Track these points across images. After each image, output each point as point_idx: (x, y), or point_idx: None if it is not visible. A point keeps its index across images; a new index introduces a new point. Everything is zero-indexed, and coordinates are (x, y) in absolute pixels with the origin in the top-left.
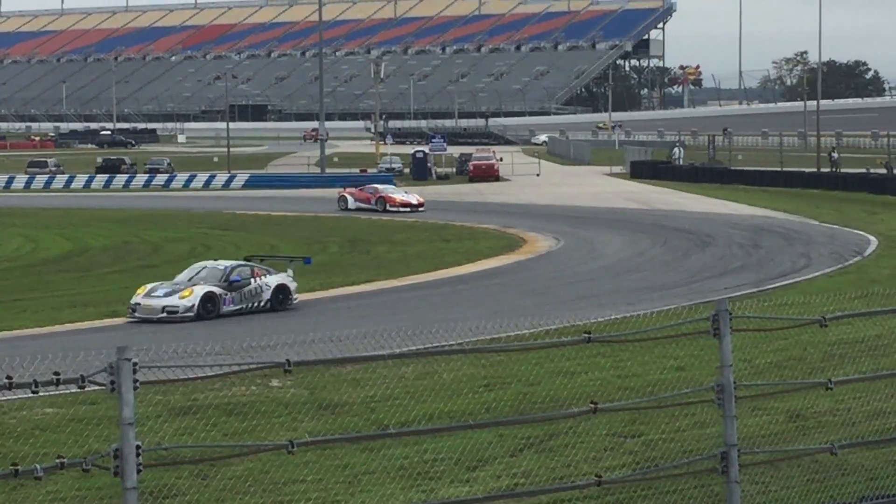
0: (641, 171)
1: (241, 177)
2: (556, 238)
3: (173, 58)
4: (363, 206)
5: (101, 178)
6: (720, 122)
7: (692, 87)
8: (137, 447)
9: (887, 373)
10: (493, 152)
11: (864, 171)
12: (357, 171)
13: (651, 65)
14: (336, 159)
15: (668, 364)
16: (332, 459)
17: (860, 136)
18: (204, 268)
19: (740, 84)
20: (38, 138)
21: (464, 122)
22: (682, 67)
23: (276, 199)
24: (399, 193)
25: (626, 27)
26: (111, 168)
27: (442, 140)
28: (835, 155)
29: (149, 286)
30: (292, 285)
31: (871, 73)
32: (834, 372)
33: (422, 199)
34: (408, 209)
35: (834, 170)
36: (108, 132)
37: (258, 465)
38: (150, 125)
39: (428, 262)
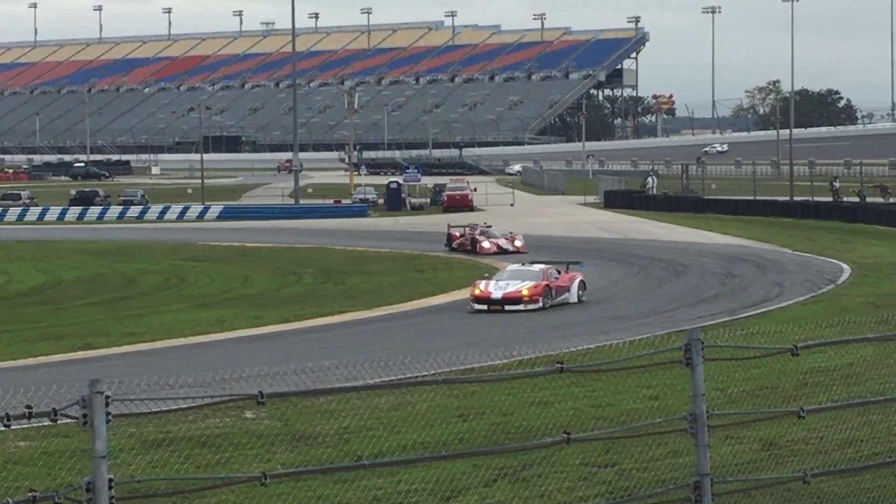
0: (615, 200)
1: (216, 208)
2: None
3: (147, 89)
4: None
5: (74, 211)
6: (694, 151)
7: (665, 116)
8: (110, 480)
9: (859, 401)
10: (467, 182)
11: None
12: (332, 202)
13: (624, 94)
14: (310, 190)
15: (642, 393)
16: (306, 491)
17: (833, 165)
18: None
19: (713, 113)
20: (11, 170)
21: (438, 153)
22: (655, 97)
23: (250, 230)
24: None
25: (599, 57)
26: (85, 200)
27: (416, 170)
28: (836, 184)
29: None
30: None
31: (843, 102)
32: (807, 400)
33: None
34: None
35: (836, 199)
36: (82, 164)
37: (232, 497)
38: (124, 157)
39: (402, 293)
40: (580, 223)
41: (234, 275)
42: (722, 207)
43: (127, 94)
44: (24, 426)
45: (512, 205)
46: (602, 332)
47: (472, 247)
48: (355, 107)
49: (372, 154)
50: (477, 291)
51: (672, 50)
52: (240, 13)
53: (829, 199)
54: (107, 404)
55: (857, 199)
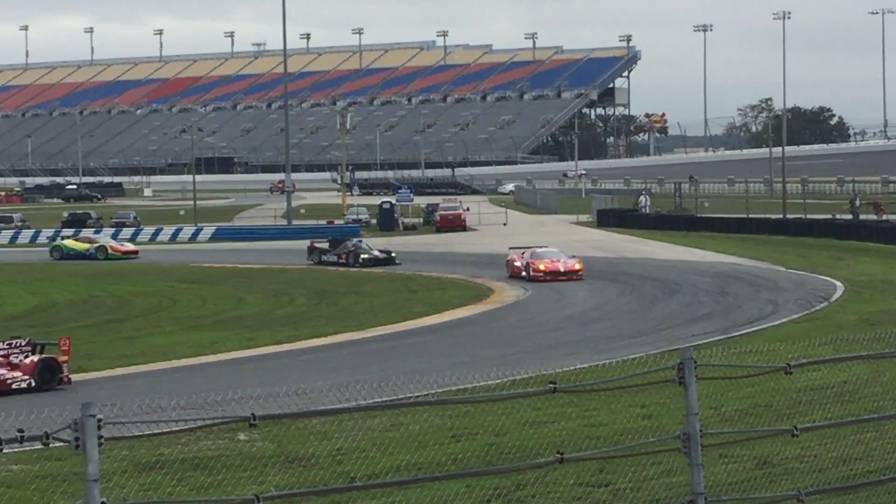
0: (608, 219)
1: (208, 230)
2: (524, 288)
3: (139, 111)
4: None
5: (67, 233)
6: (686, 170)
7: (658, 134)
8: (103, 503)
9: (853, 419)
10: (460, 202)
11: (829, 216)
12: (324, 222)
13: (616, 113)
14: (303, 211)
15: (636, 412)
16: None
17: (825, 182)
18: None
19: (706, 131)
20: (3, 193)
21: (430, 173)
22: (647, 115)
23: (242, 251)
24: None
25: (591, 76)
26: (77, 222)
27: (409, 190)
28: (857, 202)
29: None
30: None
31: (835, 119)
32: (801, 419)
33: (574, 265)
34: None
35: (854, 218)
36: (74, 186)
37: None
38: (116, 179)
39: (395, 313)
40: (573, 242)
41: (227, 296)
42: (715, 225)
43: (119, 115)
44: (16, 450)
45: (505, 224)
46: (596, 351)
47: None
48: (347, 127)
49: (364, 174)
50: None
51: (664, 68)
52: (231, 34)
53: (850, 216)
54: (99, 427)
55: (849, 216)
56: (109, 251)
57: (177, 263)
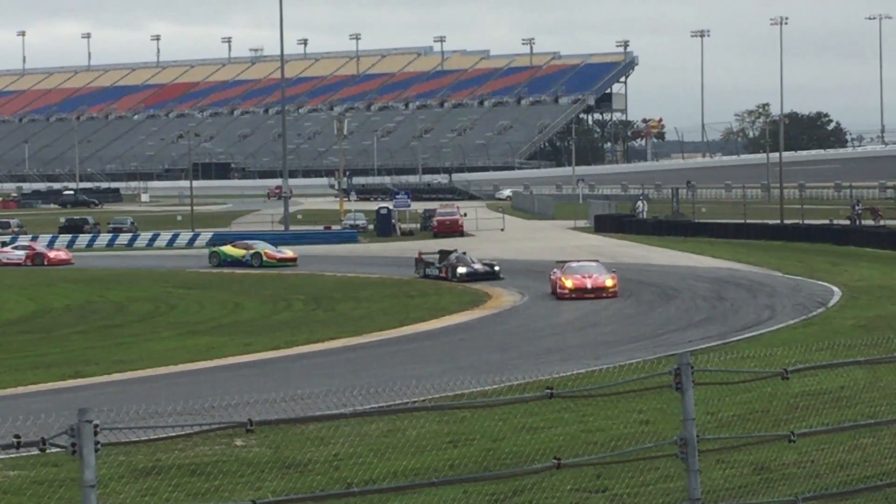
0: (605, 224)
1: (205, 235)
2: (521, 293)
3: (136, 116)
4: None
5: (64, 238)
6: (683, 175)
7: (655, 140)
8: None
9: (850, 424)
10: (457, 208)
11: (827, 221)
12: (321, 228)
13: (614, 118)
14: (300, 216)
15: (633, 418)
16: None
17: (823, 188)
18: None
19: (703, 136)
20: (0, 199)
21: (428, 178)
22: (644, 121)
23: None
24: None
25: (588, 81)
26: (74, 228)
27: (406, 196)
28: (858, 208)
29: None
30: None
31: (832, 125)
32: (798, 424)
33: (604, 281)
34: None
35: (856, 223)
36: (71, 192)
37: None
38: (113, 184)
39: (392, 319)
40: (571, 248)
41: (224, 302)
42: (712, 231)
43: (116, 121)
44: (12, 455)
45: (502, 230)
46: (593, 356)
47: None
48: (345, 132)
49: (362, 180)
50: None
51: (661, 74)
52: (228, 40)
53: (848, 221)
54: (95, 433)
55: (847, 222)
56: (264, 258)
57: (174, 269)
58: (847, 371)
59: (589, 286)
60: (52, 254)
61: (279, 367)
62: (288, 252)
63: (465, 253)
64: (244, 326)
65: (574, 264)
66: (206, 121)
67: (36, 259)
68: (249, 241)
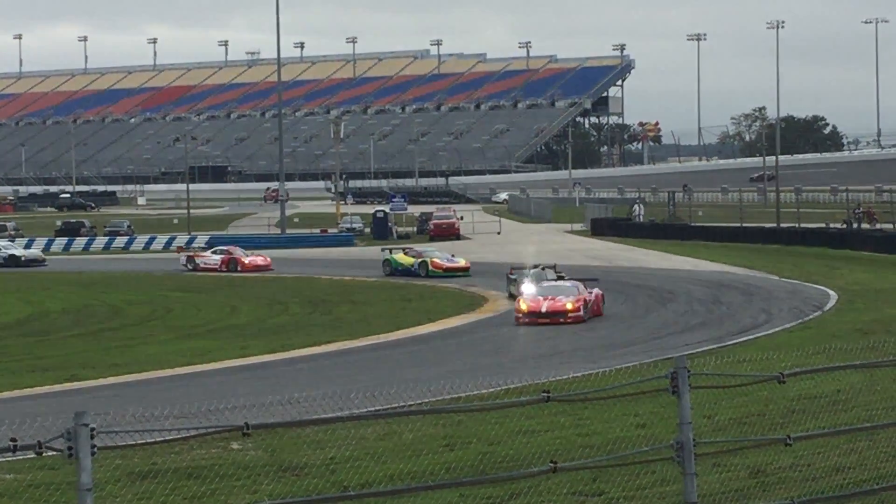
0: (602, 228)
1: (202, 238)
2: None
3: (132, 120)
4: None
5: (60, 242)
6: (680, 179)
7: (652, 143)
8: None
9: (847, 428)
10: (454, 211)
11: (823, 225)
12: (318, 231)
13: (610, 122)
14: (296, 220)
15: (630, 421)
16: None
17: (819, 192)
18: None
19: (699, 140)
20: None
21: (424, 181)
22: (641, 124)
23: None
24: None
25: (584, 85)
26: (71, 231)
27: (402, 199)
28: (860, 210)
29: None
30: None
31: (829, 128)
32: (794, 427)
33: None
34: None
35: (857, 226)
36: (68, 195)
37: None
38: (110, 188)
39: (389, 322)
40: (567, 251)
41: (220, 305)
42: (709, 234)
43: (112, 124)
44: (9, 459)
45: (499, 233)
46: (589, 360)
47: None
48: (341, 136)
49: (358, 183)
50: (524, 307)
51: (658, 77)
52: (225, 43)
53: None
54: (92, 436)
55: (842, 225)
56: (431, 267)
57: (170, 272)
58: (843, 375)
59: (543, 310)
60: (247, 259)
61: (275, 370)
62: (460, 261)
63: (542, 268)
64: (240, 330)
65: (540, 286)
66: (202, 124)
67: (230, 264)
68: (419, 249)
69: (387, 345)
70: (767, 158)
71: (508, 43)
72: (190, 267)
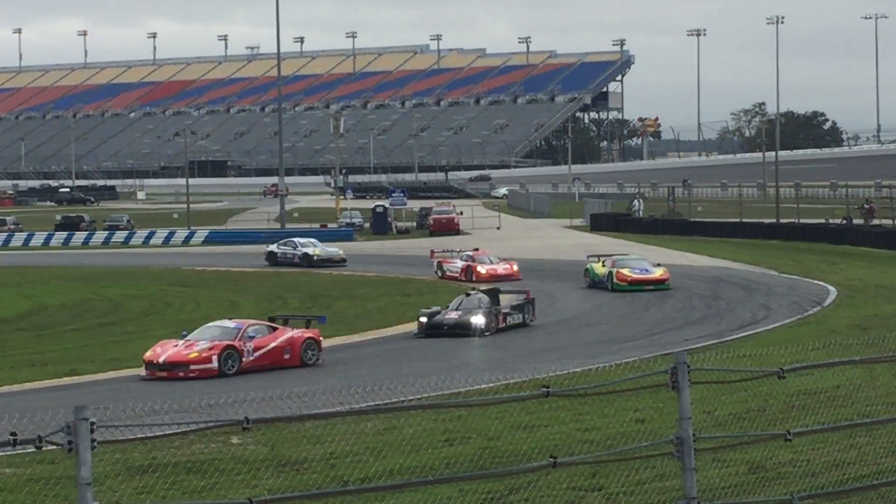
0: (601, 223)
1: (201, 233)
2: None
3: (132, 114)
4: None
5: (60, 236)
6: (679, 174)
7: (651, 138)
8: None
9: (846, 423)
10: (453, 206)
11: (823, 221)
12: (318, 226)
13: (610, 117)
14: (296, 214)
15: (629, 416)
16: None
17: (819, 187)
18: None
19: (699, 135)
20: None
21: (424, 176)
22: (641, 119)
23: (236, 254)
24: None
25: (584, 80)
26: (70, 225)
27: (402, 194)
28: (868, 205)
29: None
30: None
31: (828, 124)
32: (794, 423)
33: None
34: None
35: (865, 222)
36: (67, 189)
37: None
38: (110, 182)
39: (388, 317)
40: (567, 246)
41: (220, 300)
42: (708, 230)
43: (112, 119)
44: (8, 453)
45: (498, 228)
46: (588, 355)
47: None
48: (341, 131)
49: (358, 178)
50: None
51: (657, 73)
52: (225, 38)
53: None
54: (92, 431)
55: (842, 221)
56: (616, 281)
57: (170, 267)
58: (843, 370)
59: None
60: (483, 269)
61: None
62: (658, 272)
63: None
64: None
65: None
66: (202, 118)
67: (467, 272)
68: (615, 257)
69: (386, 339)
70: (767, 154)
71: (508, 38)
72: (439, 274)
